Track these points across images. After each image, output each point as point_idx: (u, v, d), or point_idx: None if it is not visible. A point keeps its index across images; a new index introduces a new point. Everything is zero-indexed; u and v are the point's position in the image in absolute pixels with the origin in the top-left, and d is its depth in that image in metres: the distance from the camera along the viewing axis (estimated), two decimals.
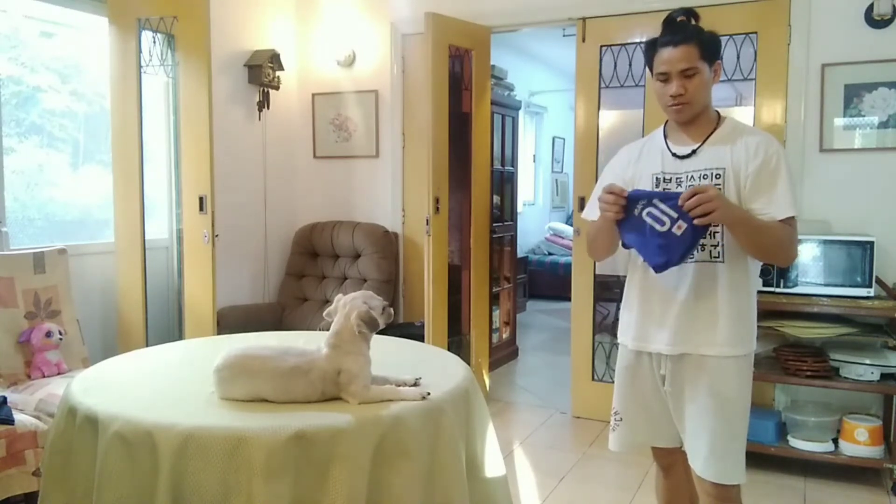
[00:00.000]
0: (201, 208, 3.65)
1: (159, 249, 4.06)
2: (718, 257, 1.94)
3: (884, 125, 3.43)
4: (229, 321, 4.07)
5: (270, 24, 4.69)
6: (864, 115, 3.46)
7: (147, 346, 3.31)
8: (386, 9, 4.58)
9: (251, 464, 1.48)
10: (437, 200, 4.08)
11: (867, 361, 3.18)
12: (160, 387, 1.92)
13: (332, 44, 4.75)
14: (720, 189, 1.90)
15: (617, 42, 4.03)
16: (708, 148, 1.96)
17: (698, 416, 1.96)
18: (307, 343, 1.82)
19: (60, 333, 3.05)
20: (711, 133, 1.98)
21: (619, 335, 2.15)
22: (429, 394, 1.72)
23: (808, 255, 3.32)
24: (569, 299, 4.29)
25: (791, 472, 3.37)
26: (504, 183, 6.08)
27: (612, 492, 3.22)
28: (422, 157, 4.24)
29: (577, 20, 4.09)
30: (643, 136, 2.22)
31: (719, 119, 2.01)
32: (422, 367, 1.96)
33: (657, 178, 2.00)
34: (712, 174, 1.93)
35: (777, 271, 3.31)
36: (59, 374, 2.98)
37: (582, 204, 4.12)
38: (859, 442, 3.21)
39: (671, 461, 2.19)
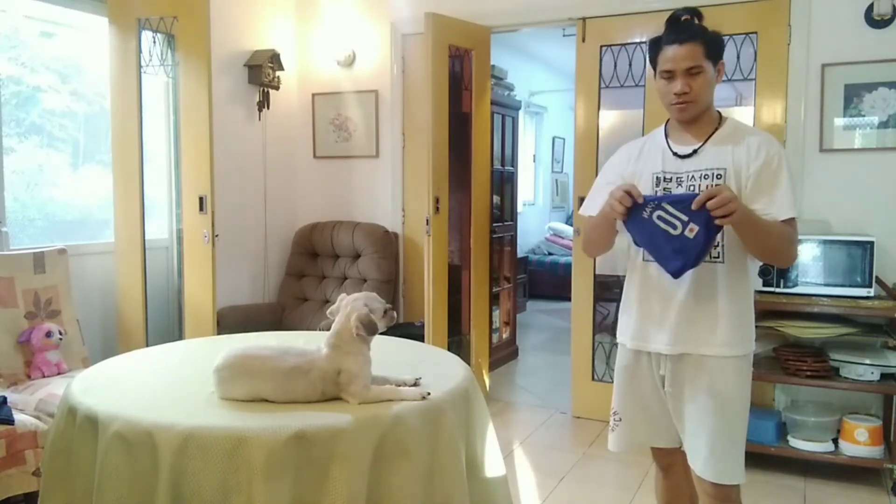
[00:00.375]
0: (201, 208, 3.65)
1: (159, 249, 4.06)
2: (718, 258, 1.94)
3: (884, 125, 3.43)
4: (229, 321, 4.07)
5: (270, 24, 4.69)
6: (864, 115, 3.46)
7: (147, 346, 3.31)
8: (386, 9, 4.58)
9: (251, 464, 1.48)
10: (437, 200, 4.08)
11: (867, 361, 3.18)
12: (160, 387, 1.92)
13: (332, 44, 4.75)
14: None
15: (617, 42, 4.03)
16: (709, 148, 1.96)
17: (698, 417, 1.96)
18: (307, 343, 1.82)
19: (60, 333, 3.05)
20: (713, 133, 1.98)
21: (617, 335, 2.15)
22: (429, 394, 1.72)
23: (808, 255, 3.32)
24: (569, 299, 4.29)
25: (791, 472, 3.37)
26: (504, 183, 6.08)
27: (612, 492, 3.22)
28: (422, 157, 4.24)
29: (577, 20, 4.09)
30: (643, 136, 2.21)
31: (721, 119, 2.01)
32: (422, 367, 1.95)
33: (657, 178, 2.00)
34: (713, 174, 1.93)
35: (777, 271, 3.31)
36: (59, 374, 2.98)
37: (582, 204, 4.11)
38: (859, 442, 3.21)
39: (671, 461, 2.19)
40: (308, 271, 4.69)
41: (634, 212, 1.87)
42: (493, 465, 1.93)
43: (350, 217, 4.73)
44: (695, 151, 1.97)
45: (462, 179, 4.62)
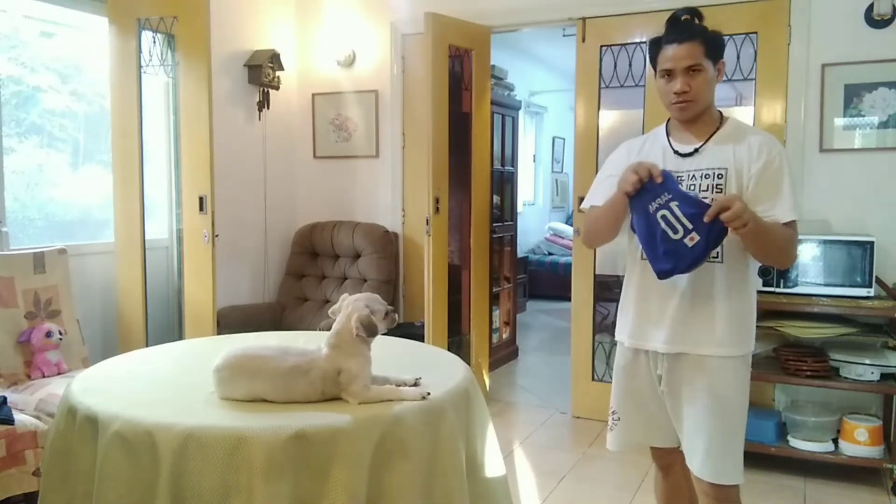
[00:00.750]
0: (201, 208, 3.65)
1: (159, 249, 4.06)
2: (717, 258, 1.93)
3: (884, 125, 3.43)
4: (229, 321, 4.07)
5: (270, 24, 4.69)
6: (864, 115, 3.46)
7: (147, 346, 3.31)
8: (386, 9, 4.58)
9: (251, 464, 1.48)
10: (437, 200, 4.08)
11: (867, 361, 3.18)
12: (160, 387, 1.92)
13: (332, 44, 4.75)
14: (721, 189, 1.90)
15: (617, 42, 4.03)
16: (711, 147, 1.96)
17: (696, 417, 1.96)
18: (307, 343, 1.82)
19: (60, 333, 3.05)
20: (714, 132, 1.98)
21: (616, 333, 2.15)
22: (429, 394, 1.72)
23: (808, 255, 3.32)
24: (569, 299, 4.29)
25: (791, 472, 3.37)
26: (504, 183, 6.08)
27: (612, 492, 3.22)
28: (422, 157, 4.24)
29: (577, 20, 4.09)
30: (644, 134, 2.21)
31: (722, 119, 2.01)
32: (422, 367, 1.95)
33: None
34: (714, 174, 1.93)
35: (777, 271, 3.31)
36: (59, 374, 2.98)
37: (582, 203, 4.12)
38: (859, 442, 3.21)
39: (670, 461, 2.19)
40: (308, 271, 4.69)
41: (643, 197, 1.83)
42: (493, 465, 1.93)
43: (350, 217, 4.73)
44: (696, 150, 1.97)
45: (462, 179, 4.62)
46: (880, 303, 3.18)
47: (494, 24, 4.39)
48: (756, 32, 3.66)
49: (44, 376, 2.94)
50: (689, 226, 1.79)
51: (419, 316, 4.32)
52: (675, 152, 2.00)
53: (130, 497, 1.54)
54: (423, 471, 1.64)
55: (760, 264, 2.04)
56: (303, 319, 4.41)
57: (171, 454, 1.50)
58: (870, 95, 3.44)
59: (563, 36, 5.49)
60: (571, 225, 6.03)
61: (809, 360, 3.26)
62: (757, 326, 2.03)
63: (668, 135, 2.05)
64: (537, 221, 8.90)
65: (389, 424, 1.61)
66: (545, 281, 8.18)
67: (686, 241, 1.80)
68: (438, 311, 4.13)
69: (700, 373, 1.95)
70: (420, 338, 3.94)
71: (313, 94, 4.84)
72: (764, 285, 3.31)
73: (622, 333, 2.11)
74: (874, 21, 3.42)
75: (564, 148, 9.20)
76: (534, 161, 8.84)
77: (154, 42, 3.80)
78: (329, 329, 1.78)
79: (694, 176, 1.95)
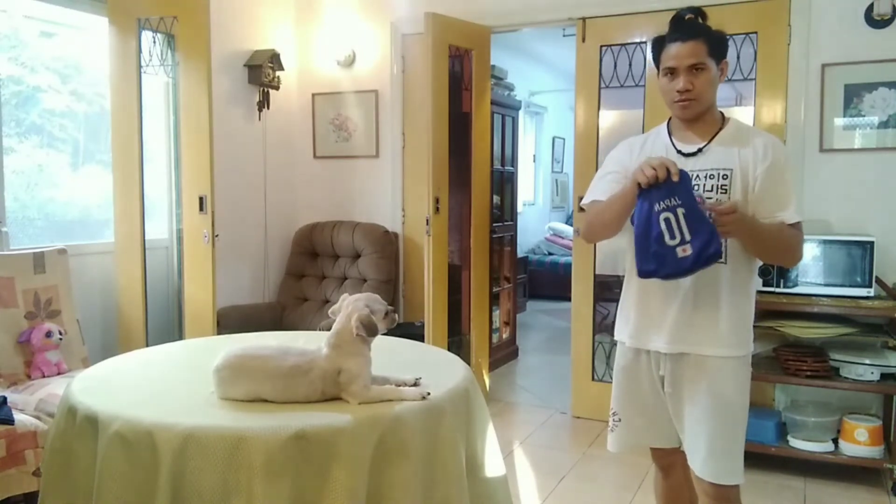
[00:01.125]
0: (201, 208, 3.65)
1: (159, 249, 4.06)
2: (721, 258, 1.93)
3: (884, 125, 3.43)
4: (229, 321, 4.06)
5: (270, 24, 4.69)
6: (864, 115, 3.46)
7: (147, 346, 3.31)
8: (386, 9, 4.58)
9: (251, 464, 1.48)
10: (437, 200, 4.08)
11: (867, 361, 3.18)
12: (160, 387, 1.92)
13: (332, 44, 4.75)
14: (726, 190, 1.90)
15: (617, 42, 4.03)
16: (714, 147, 1.96)
17: (697, 417, 1.96)
18: (307, 343, 1.82)
19: (60, 333, 3.05)
20: (717, 133, 1.98)
21: (616, 333, 2.15)
22: (429, 394, 1.72)
23: (808, 255, 3.32)
24: (569, 299, 4.29)
25: (791, 472, 3.37)
26: (504, 183, 6.08)
27: (612, 492, 3.22)
28: (422, 157, 4.24)
29: (577, 20, 4.09)
30: (645, 133, 2.21)
31: (724, 119, 2.01)
32: (422, 367, 1.95)
33: None
34: (719, 174, 1.93)
35: (777, 271, 3.31)
36: (59, 374, 2.98)
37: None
38: (859, 442, 3.21)
39: (670, 462, 2.19)
40: (308, 271, 4.69)
41: (653, 193, 1.80)
42: (493, 465, 1.92)
43: (350, 217, 4.73)
44: (700, 150, 1.97)
45: (462, 179, 4.62)
46: (880, 303, 3.18)
47: (494, 24, 4.39)
48: (756, 32, 3.66)
49: (44, 376, 2.94)
50: (688, 237, 1.76)
51: (419, 316, 4.32)
52: (679, 151, 2.00)
53: (130, 497, 1.54)
54: (423, 471, 1.64)
55: (762, 264, 2.04)
56: (303, 319, 4.41)
57: (171, 454, 1.50)
58: (870, 95, 3.44)
59: (563, 36, 5.49)
60: (571, 225, 6.04)
61: (809, 360, 3.26)
62: (757, 326, 2.04)
63: (669, 134, 2.05)
64: (537, 221, 8.90)
65: (389, 424, 1.61)
66: (545, 281, 8.17)
67: (678, 250, 1.77)
68: (438, 311, 4.13)
69: (702, 373, 1.95)
70: (420, 338, 3.94)
71: (313, 94, 4.84)
72: (764, 285, 3.31)
73: (623, 333, 2.11)
74: (874, 21, 3.42)
75: (564, 148, 9.20)
76: (534, 161, 8.84)
77: (154, 42, 3.80)
78: (329, 329, 1.78)
79: (698, 176, 1.94)
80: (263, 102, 4.58)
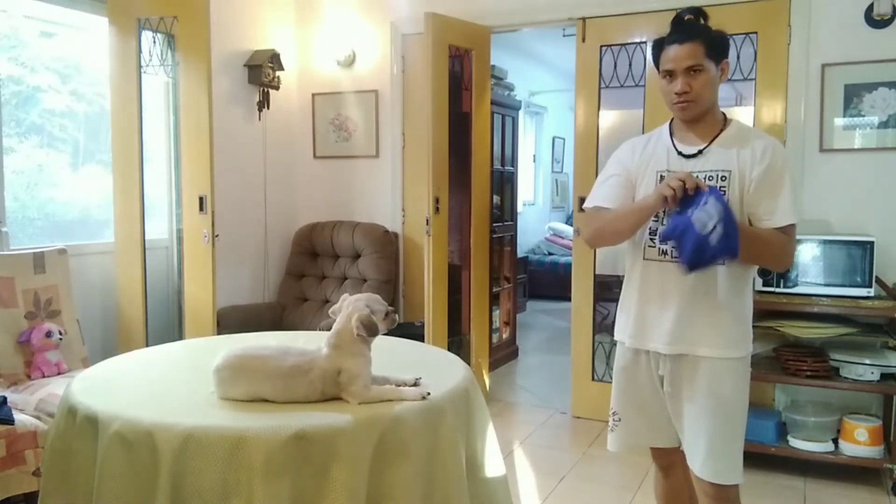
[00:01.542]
0: (201, 208, 3.65)
1: (159, 249, 4.06)
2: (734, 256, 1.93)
3: (884, 125, 3.43)
4: (229, 321, 4.07)
5: (270, 24, 4.69)
6: (864, 115, 3.46)
7: (147, 346, 3.31)
8: (386, 9, 4.59)
9: (251, 464, 1.48)
10: (437, 200, 4.08)
11: (867, 361, 3.18)
12: (160, 387, 1.92)
13: (332, 44, 4.75)
14: (725, 191, 1.90)
15: (617, 42, 4.03)
16: (715, 149, 1.96)
17: (696, 417, 1.97)
18: (307, 343, 1.82)
19: (60, 333, 3.05)
20: (718, 134, 1.98)
21: (616, 333, 2.15)
22: (429, 394, 1.72)
23: (808, 255, 3.32)
24: (569, 299, 4.29)
25: (791, 472, 3.37)
26: (504, 183, 6.08)
27: (612, 492, 3.22)
28: (422, 157, 4.24)
29: (577, 20, 4.09)
30: (647, 133, 2.21)
31: (725, 120, 2.01)
32: (422, 367, 1.95)
33: (661, 176, 2.00)
34: (718, 176, 1.93)
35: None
36: (59, 374, 2.98)
37: (582, 204, 4.11)
38: (859, 442, 3.21)
39: (670, 461, 2.19)
40: (308, 271, 4.69)
41: (682, 207, 1.81)
42: (493, 465, 1.93)
43: (350, 217, 4.73)
44: (700, 152, 1.97)
45: (462, 179, 4.62)
46: (880, 303, 3.18)
47: (494, 24, 4.39)
48: (756, 32, 3.66)
49: (44, 376, 2.94)
50: (715, 219, 1.76)
51: (419, 316, 4.32)
52: (679, 153, 2.00)
53: (130, 497, 1.54)
54: (423, 471, 1.64)
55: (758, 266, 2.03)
56: (303, 319, 4.41)
57: (171, 454, 1.50)
58: (870, 95, 3.44)
59: (563, 36, 5.49)
60: (571, 225, 6.03)
61: (809, 360, 3.26)
62: (757, 326, 2.04)
63: (671, 135, 2.05)
64: (537, 221, 8.90)
65: (389, 424, 1.61)
66: (545, 281, 8.17)
67: (713, 234, 1.76)
68: (438, 311, 4.13)
69: (701, 373, 1.96)
70: (420, 338, 3.94)
71: (313, 94, 4.84)
72: (764, 285, 3.31)
73: (623, 334, 2.11)
74: (874, 21, 3.42)
75: (564, 148, 9.20)
76: (534, 161, 8.84)
77: (154, 42, 3.80)
78: (329, 329, 1.78)
79: (698, 177, 1.95)
80: (263, 102, 4.58)
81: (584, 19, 4.08)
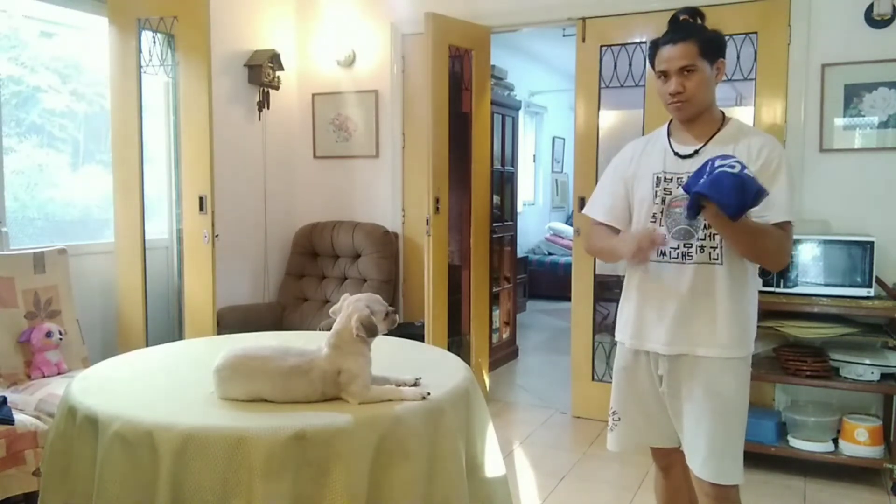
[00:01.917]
0: (201, 208, 3.65)
1: (159, 249, 4.06)
2: (717, 259, 1.93)
3: (884, 125, 3.43)
4: (229, 321, 4.07)
5: (270, 24, 4.69)
6: (864, 115, 3.46)
7: (147, 346, 3.31)
8: (386, 9, 4.58)
9: (251, 464, 1.48)
10: (437, 200, 4.08)
11: (867, 361, 3.18)
12: (160, 387, 1.92)
13: (332, 44, 4.75)
14: None
15: (617, 42, 4.03)
16: (711, 148, 1.95)
17: (696, 417, 1.97)
18: (307, 343, 1.82)
19: (60, 333, 3.05)
20: (715, 133, 1.98)
21: (616, 333, 2.15)
22: (429, 394, 1.72)
23: (808, 255, 3.32)
24: (569, 299, 4.29)
25: (791, 472, 3.37)
26: (504, 183, 6.08)
27: (612, 492, 3.22)
28: (422, 157, 4.24)
29: (577, 20, 4.09)
30: (647, 134, 2.22)
31: (724, 119, 2.01)
32: (422, 367, 1.96)
33: (658, 178, 2.00)
34: None
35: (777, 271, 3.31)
36: (59, 374, 2.98)
37: (582, 204, 4.12)
38: (859, 442, 3.21)
39: (670, 461, 2.19)
40: (308, 271, 4.69)
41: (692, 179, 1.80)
42: (493, 465, 1.93)
43: (350, 217, 4.73)
44: (696, 152, 1.97)
45: (462, 179, 4.62)
46: (880, 303, 3.18)
47: (494, 24, 4.39)
48: (756, 32, 3.66)
49: (44, 376, 2.94)
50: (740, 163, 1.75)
51: (419, 316, 4.32)
52: (676, 154, 2.00)
53: (130, 497, 1.54)
54: (423, 471, 1.64)
55: (758, 266, 2.03)
56: (303, 319, 4.41)
57: (171, 454, 1.50)
58: (870, 95, 3.44)
59: (563, 36, 5.49)
60: (571, 225, 6.03)
61: (809, 360, 3.26)
62: (757, 326, 2.03)
63: (669, 135, 2.05)
64: (537, 221, 8.90)
65: (389, 424, 1.61)
66: (545, 281, 8.17)
67: (746, 172, 1.73)
68: (438, 311, 4.13)
69: (700, 374, 1.96)
70: (420, 338, 3.94)
71: (313, 94, 4.84)
72: (764, 285, 3.31)
73: (623, 334, 2.12)
74: (874, 21, 3.42)
75: (564, 148, 9.20)
76: (534, 161, 8.84)
77: (154, 42, 3.80)
78: (329, 329, 1.78)
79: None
80: (263, 102, 4.58)
81: (584, 19, 4.08)
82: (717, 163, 1.76)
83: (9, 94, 3.43)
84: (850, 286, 3.24)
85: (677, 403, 2.01)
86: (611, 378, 2.22)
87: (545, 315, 7.54)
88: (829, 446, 3.28)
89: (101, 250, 3.72)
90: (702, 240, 1.93)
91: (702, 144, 1.97)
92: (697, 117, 1.98)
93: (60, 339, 3.04)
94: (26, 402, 2.68)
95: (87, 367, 2.46)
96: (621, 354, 2.14)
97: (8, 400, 2.55)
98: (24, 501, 2.58)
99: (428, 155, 4.03)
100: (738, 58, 3.68)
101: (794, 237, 2.13)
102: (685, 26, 1.95)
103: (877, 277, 3.23)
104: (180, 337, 3.84)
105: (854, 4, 3.45)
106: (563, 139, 9.11)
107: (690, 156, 1.97)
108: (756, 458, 3.27)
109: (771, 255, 1.93)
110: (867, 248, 3.22)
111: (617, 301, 2.20)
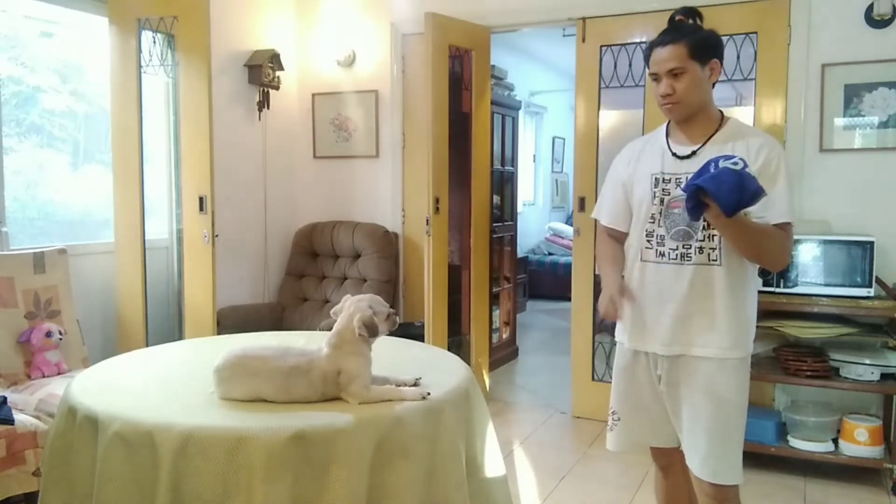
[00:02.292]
0: (201, 208, 3.65)
1: (159, 249, 4.06)
2: (716, 260, 1.93)
3: (884, 125, 3.43)
4: (229, 321, 4.07)
5: (270, 24, 4.69)
6: (864, 115, 3.46)
7: (147, 346, 3.31)
8: (386, 9, 4.58)
9: (251, 464, 1.48)
10: (437, 200, 4.08)
11: (867, 361, 3.18)
12: (160, 387, 1.92)
13: (332, 44, 4.75)
14: None
15: (617, 42, 4.03)
16: (709, 149, 1.95)
17: (695, 417, 1.97)
18: (307, 343, 1.83)
19: (60, 333, 3.05)
20: (713, 134, 1.97)
21: (616, 333, 2.16)
22: (429, 394, 1.72)
23: (808, 255, 3.32)
24: (569, 299, 4.28)
25: (791, 472, 3.37)
26: (504, 183, 6.08)
27: (612, 492, 3.22)
28: (422, 157, 4.24)
29: (577, 20, 4.09)
30: (646, 135, 2.22)
31: (722, 119, 2.00)
32: (422, 367, 1.96)
33: (656, 179, 2.00)
34: None
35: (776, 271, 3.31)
36: (59, 374, 2.98)
37: (582, 204, 4.13)
38: (859, 442, 3.21)
39: (669, 461, 2.19)
40: (308, 271, 4.69)
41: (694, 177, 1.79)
42: (493, 465, 1.93)
43: (350, 217, 4.73)
44: (694, 153, 1.97)
45: (462, 179, 4.62)
46: (880, 303, 3.18)
47: (494, 24, 4.39)
48: (756, 32, 3.66)
49: (44, 376, 2.94)
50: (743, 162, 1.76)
51: (419, 316, 4.32)
52: (674, 154, 2.00)
53: (130, 497, 1.54)
54: (423, 471, 1.64)
55: (758, 266, 2.03)
56: (303, 319, 4.41)
57: (171, 454, 1.50)
58: (870, 95, 3.44)
59: (563, 36, 5.49)
60: (571, 225, 6.04)
61: (809, 360, 3.26)
62: (757, 326, 2.03)
63: (667, 136, 2.05)
64: (537, 221, 8.90)
65: (389, 425, 1.61)
66: (545, 281, 8.18)
67: (747, 169, 1.74)
68: (438, 311, 4.13)
69: (699, 374, 1.96)
70: (420, 338, 3.94)
71: (313, 94, 4.84)
72: (764, 285, 3.31)
73: (622, 334, 2.12)
74: (874, 21, 3.42)
75: (564, 148, 9.20)
76: (534, 161, 8.84)
77: (154, 42, 3.80)
78: (330, 329, 1.78)
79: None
80: (263, 102, 4.58)
81: (584, 19, 4.08)
82: (721, 162, 1.76)
83: (9, 94, 3.43)
84: (850, 286, 3.24)
85: (677, 403, 2.01)
86: (610, 378, 2.23)
87: (545, 315, 7.54)
88: (829, 446, 3.28)
89: (101, 250, 3.72)
90: (701, 241, 1.93)
91: (700, 145, 1.97)
92: (693, 118, 1.98)
93: (60, 339, 3.04)
94: (26, 402, 2.68)
95: (87, 368, 2.46)
96: (621, 354, 2.14)
97: (8, 400, 2.55)
98: (24, 501, 2.58)
99: (428, 155, 4.03)
100: (738, 58, 3.68)
101: (794, 237, 2.13)
102: (677, 28, 1.95)
103: (877, 277, 3.23)
104: (180, 337, 3.84)
105: (854, 4, 3.45)
106: (563, 139, 9.11)
107: (689, 156, 1.97)
108: (756, 458, 3.27)
109: (771, 256, 1.93)
110: (867, 248, 3.22)
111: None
